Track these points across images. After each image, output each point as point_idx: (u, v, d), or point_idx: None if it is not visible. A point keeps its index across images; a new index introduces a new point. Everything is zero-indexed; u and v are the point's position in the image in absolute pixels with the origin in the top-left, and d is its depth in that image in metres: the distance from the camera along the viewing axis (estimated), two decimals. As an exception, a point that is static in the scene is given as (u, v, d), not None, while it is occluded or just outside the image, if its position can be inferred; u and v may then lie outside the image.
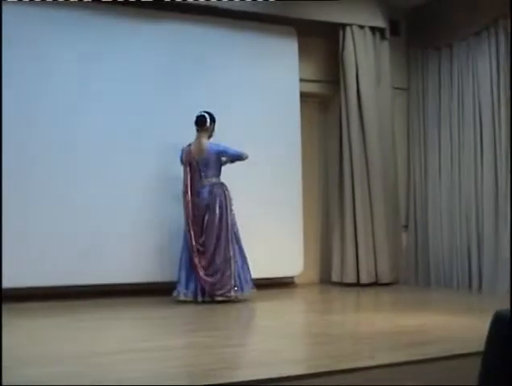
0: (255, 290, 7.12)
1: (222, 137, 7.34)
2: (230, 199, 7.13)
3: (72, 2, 7.37)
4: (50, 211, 7.14)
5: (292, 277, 8.62)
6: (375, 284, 8.57)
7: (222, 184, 7.18)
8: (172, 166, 7.52)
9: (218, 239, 7.04)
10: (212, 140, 7.26)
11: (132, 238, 7.50)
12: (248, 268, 7.12)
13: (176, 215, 7.38)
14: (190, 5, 7.80)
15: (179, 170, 7.30)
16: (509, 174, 7.84)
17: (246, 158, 7.20)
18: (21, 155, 7.04)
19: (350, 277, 8.55)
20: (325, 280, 8.97)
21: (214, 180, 7.17)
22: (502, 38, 7.99)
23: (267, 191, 7.98)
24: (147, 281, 7.55)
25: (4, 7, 6.92)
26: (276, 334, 5.13)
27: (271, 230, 7.95)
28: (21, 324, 5.47)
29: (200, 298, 6.90)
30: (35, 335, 5.00)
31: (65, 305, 6.74)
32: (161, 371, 3.56)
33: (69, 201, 7.25)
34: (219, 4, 7.79)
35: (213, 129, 7.29)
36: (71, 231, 7.21)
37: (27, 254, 6.91)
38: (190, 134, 7.26)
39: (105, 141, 7.49)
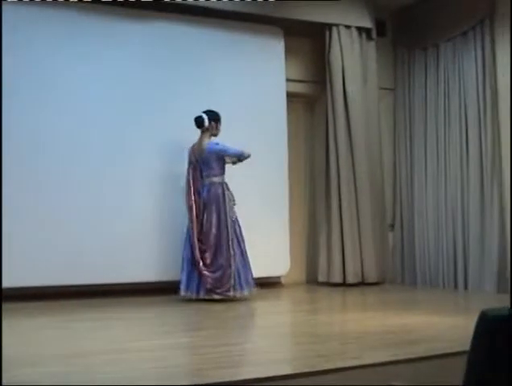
0: (255, 290, 7.17)
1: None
2: (230, 200, 7.19)
3: (60, 3, 7.34)
4: (46, 211, 7.11)
5: (279, 277, 8.62)
6: (361, 284, 8.57)
7: (222, 183, 7.23)
8: (172, 164, 7.63)
9: (218, 238, 7.11)
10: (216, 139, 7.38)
11: (128, 237, 7.49)
12: (249, 268, 7.16)
13: (176, 214, 7.45)
14: (177, 5, 7.78)
15: (180, 168, 7.41)
16: (495, 174, 7.87)
17: (246, 157, 7.26)
18: (16, 154, 7.02)
19: (336, 277, 8.55)
20: (312, 280, 8.98)
21: (215, 179, 7.22)
22: (488, 38, 8.02)
23: (253, 192, 7.97)
24: (142, 280, 7.55)
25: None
26: (263, 334, 5.14)
27: (258, 230, 7.93)
28: (10, 324, 5.44)
29: (201, 295, 6.97)
30: (23, 336, 4.98)
31: (56, 305, 6.71)
32: (148, 371, 3.56)
33: (68, 201, 7.24)
34: (206, 4, 7.78)
35: (216, 128, 7.38)
36: (63, 231, 7.18)
37: (18, 254, 6.86)
38: (179, 133, 7.34)
39: (103, 141, 7.49)
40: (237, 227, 7.20)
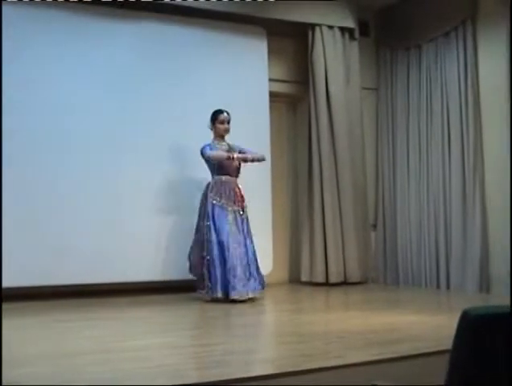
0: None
1: (192, 137, 7.39)
2: (209, 198, 7.10)
3: (46, 2, 7.31)
4: (35, 210, 7.11)
5: (262, 277, 8.62)
6: (344, 283, 8.59)
7: (208, 183, 7.21)
8: (159, 162, 7.70)
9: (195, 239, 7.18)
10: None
11: (119, 237, 7.50)
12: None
13: (173, 213, 7.58)
14: (161, 5, 7.77)
15: (169, 166, 7.64)
16: (477, 174, 7.91)
17: (206, 158, 7.18)
18: (7, 154, 7.01)
19: (319, 277, 8.57)
20: (294, 279, 8.99)
21: (209, 179, 7.25)
22: (470, 39, 8.05)
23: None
24: (132, 280, 7.58)
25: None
26: (246, 334, 5.13)
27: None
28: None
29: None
30: (10, 336, 4.95)
31: (44, 305, 6.70)
32: (133, 371, 3.55)
33: (60, 199, 7.26)
34: (190, 4, 7.77)
35: (211, 128, 7.34)
36: (53, 230, 7.18)
37: (6, 254, 6.82)
38: (164, 131, 7.43)
39: (96, 139, 7.51)
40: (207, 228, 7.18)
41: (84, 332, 5.15)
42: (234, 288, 6.83)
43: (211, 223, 7.02)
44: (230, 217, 7.07)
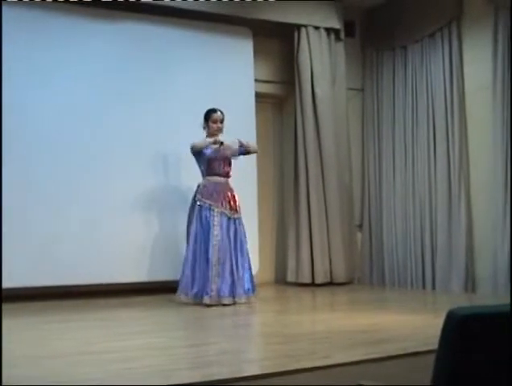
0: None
1: (177, 137, 7.40)
2: (197, 200, 7.07)
3: (30, 2, 7.28)
4: (22, 211, 7.09)
5: (248, 278, 8.61)
6: (330, 284, 8.60)
7: (198, 185, 7.15)
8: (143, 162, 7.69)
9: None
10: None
11: (107, 239, 7.48)
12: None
13: (157, 215, 7.58)
14: (147, 5, 7.75)
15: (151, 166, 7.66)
16: (462, 175, 7.95)
17: (191, 149, 7.10)
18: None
19: (305, 277, 8.58)
20: (280, 280, 9.00)
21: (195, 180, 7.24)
22: (455, 39, 8.09)
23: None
24: (119, 281, 7.56)
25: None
26: (232, 335, 5.13)
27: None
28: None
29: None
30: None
31: (29, 306, 6.68)
32: (119, 372, 3.54)
33: (46, 200, 7.24)
34: (175, 4, 7.76)
35: (204, 127, 7.26)
36: (35, 231, 7.15)
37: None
38: (148, 132, 7.36)
39: (83, 140, 7.50)
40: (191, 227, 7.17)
41: (70, 333, 5.13)
42: (209, 292, 6.74)
43: (197, 225, 6.95)
44: (217, 219, 6.94)
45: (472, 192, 7.97)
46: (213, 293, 6.73)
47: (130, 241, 7.58)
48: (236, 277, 6.89)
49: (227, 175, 7.22)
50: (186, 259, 6.94)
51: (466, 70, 8.11)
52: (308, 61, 8.72)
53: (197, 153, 7.12)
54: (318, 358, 3.89)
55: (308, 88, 8.70)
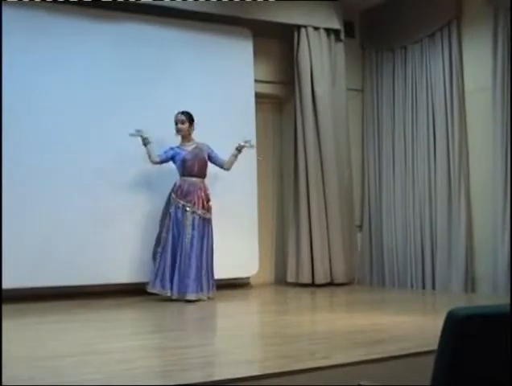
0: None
1: (175, 138, 7.41)
2: (171, 199, 7.30)
3: (30, 2, 7.28)
4: (17, 213, 7.05)
5: (248, 278, 8.62)
6: (330, 284, 8.60)
7: (174, 184, 7.41)
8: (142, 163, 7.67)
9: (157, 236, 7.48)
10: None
11: (101, 238, 7.47)
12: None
13: (152, 217, 7.59)
14: (147, 6, 7.74)
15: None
16: (462, 175, 7.95)
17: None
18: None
19: (305, 278, 8.57)
20: (280, 280, 8.99)
21: None
22: (455, 40, 8.09)
23: (221, 193, 7.96)
24: (114, 282, 7.55)
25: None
26: (231, 335, 5.13)
27: (226, 231, 7.93)
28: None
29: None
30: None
31: (26, 307, 6.64)
32: (115, 373, 3.53)
33: (37, 201, 7.22)
34: (175, 5, 7.76)
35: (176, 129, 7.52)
36: (30, 232, 7.14)
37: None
38: (147, 133, 7.39)
39: (77, 140, 7.49)
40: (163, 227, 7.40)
41: (68, 334, 5.13)
42: (187, 287, 6.99)
43: (170, 223, 7.23)
44: (189, 219, 7.18)
45: (471, 192, 7.97)
46: (193, 290, 7.01)
47: (127, 242, 7.58)
48: (201, 274, 7.12)
49: (202, 176, 7.43)
50: (163, 252, 7.17)
51: (466, 70, 8.11)
52: (308, 61, 8.71)
53: (172, 155, 7.46)
54: (318, 358, 3.89)
55: (308, 89, 8.69)
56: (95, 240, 7.43)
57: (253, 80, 8.57)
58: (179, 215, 7.22)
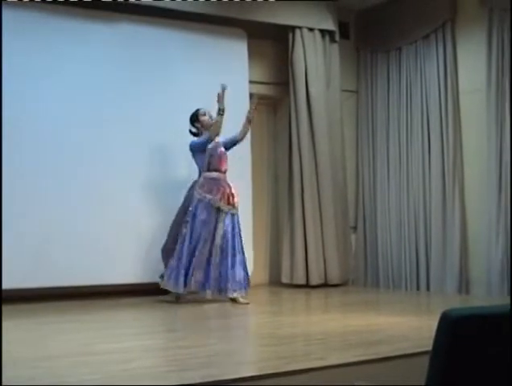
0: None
1: (171, 138, 7.40)
2: (196, 194, 7.12)
3: (28, 3, 7.27)
4: (16, 212, 7.04)
5: (242, 279, 8.61)
6: (325, 285, 8.61)
7: (195, 180, 7.32)
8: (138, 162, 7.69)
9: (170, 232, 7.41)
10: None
11: (101, 239, 7.47)
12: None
13: (153, 217, 7.64)
14: (141, 6, 7.74)
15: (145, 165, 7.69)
16: (456, 176, 7.96)
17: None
18: None
19: (300, 279, 8.58)
20: (275, 281, 8.99)
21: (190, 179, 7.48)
22: (450, 41, 8.11)
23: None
24: (114, 282, 7.54)
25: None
26: (226, 336, 5.14)
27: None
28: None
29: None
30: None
31: (25, 308, 6.65)
32: (114, 373, 3.54)
33: (38, 202, 7.20)
34: (170, 5, 7.76)
35: (193, 128, 7.48)
36: (29, 232, 7.12)
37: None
38: (141, 132, 7.45)
39: (78, 142, 7.48)
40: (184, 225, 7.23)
41: (67, 335, 5.13)
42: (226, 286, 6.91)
43: (190, 219, 7.00)
44: (215, 214, 7.01)
45: (466, 194, 7.99)
46: (211, 289, 6.91)
47: (125, 242, 7.57)
48: (230, 272, 6.97)
49: (225, 172, 7.29)
50: (181, 251, 6.96)
51: (460, 71, 8.13)
52: (303, 63, 8.72)
53: (198, 148, 7.24)
54: (313, 359, 3.89)
55: (303, 90, 8.70)
56: (94, 240, 7.42)
57: (247, 81, 8.57)
58: (204, 211, 7.01)
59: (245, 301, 6.96)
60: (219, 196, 7.07)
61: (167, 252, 7.20)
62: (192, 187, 7.30)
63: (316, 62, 8.80)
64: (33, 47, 7.36)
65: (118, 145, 7.63)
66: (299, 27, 8.72)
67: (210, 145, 7.21)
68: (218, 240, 6.98)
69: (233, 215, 7.14)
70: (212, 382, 3.30)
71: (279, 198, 9.28)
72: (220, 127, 7.23)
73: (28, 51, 7.32)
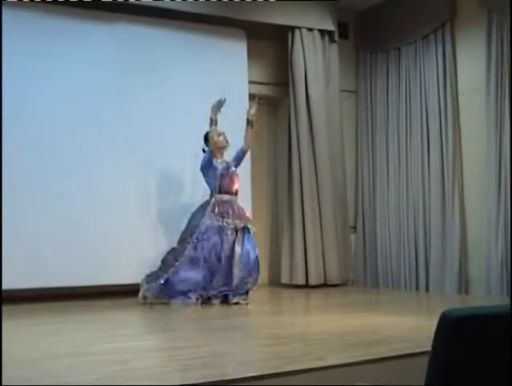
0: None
1: (171, 140, 7.39)
2: (207, 216, 7.05)
3: (23, 3, 7.27)
4: (11, 212, 7.03)
5: (242, 279, 8.61)
6: (324, 285, 8.61)
7: (206, 201, 7.22)
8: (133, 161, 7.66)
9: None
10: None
11: (96, 239, 7.46)
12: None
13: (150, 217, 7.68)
14: (141, 7, 7.74)
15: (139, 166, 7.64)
16: (456, 176, 7.97)
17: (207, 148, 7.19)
18: None
19: (299, 279, 8.58)
20: (274, 281, 8.99)
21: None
22: (449, 41, 8.11)
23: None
24: (110, 283, 7.54)
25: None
26: (226, 336, 5.13)
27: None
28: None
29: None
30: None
31: (21, 308, 6.64)
32: (110, 373, 3.53)
33: (33, 202, 7.20)
34: (169, 6, 7.76)
35: (205, 148, 7.26)
36: (25, 232, 7.11)
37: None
38: (139, 132, 7.45)
39: (73, 141, 7.48)
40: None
41: (63, 335, 5.12)
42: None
43: (198, 240, 6.95)
44: (226, 237, 6.98)
45: (465, 194, 7.99)
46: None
47: (122, 243, 7.56)
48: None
49: (236, 193, 7.25)
50: (193, 263, 6.94)
51: (459, 71, 8.13)
52: (302, 63, 8.73)
53: (207, 168, 7.17)
54: (312, 359, 3.89)
55: (302, 90, 8.70)
56: (92, 240, 7.42)
57: (247, 82, 8.57)
58: (215, 236, 6.96)
59: (245, 301, 6.98)
60: (231, 217, 7.04)
61: (166, 265, 7.09)
62: (202, 207, 7.18)
63: (316, 62, 8.80)
64: (32, 47, 7.37)
65: (117, 145, 7.62)
66: (299, 27, 8.72)
67: (221, 166, 7.17)
68: (226, 258, 7.00)
69: (246, 233, 7.11)
70: (211, 382, 3.30)
71: (279, 198, 9.28)
72: (212, 138, 7.19)
73: (28, 51, 7.33)
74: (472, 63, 7.98)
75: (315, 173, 8.70)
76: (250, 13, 8.27)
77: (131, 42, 7.86)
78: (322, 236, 8.68)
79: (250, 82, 8.62)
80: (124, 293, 7.35)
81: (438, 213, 8.10)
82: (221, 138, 7.26)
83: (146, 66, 7.93)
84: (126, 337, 5.10)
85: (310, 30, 8.79)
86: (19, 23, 7.29)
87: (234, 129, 7.93)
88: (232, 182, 7.21)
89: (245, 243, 7.08)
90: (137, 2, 7.67)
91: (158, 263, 7.23)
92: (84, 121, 7.54)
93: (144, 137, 7.75)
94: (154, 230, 7.72)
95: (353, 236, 9.18)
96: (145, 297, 6.93)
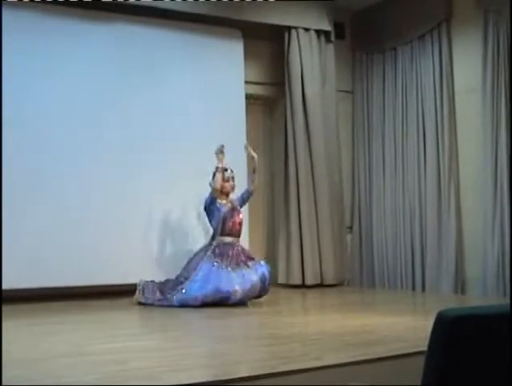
0: None
1: (166, 141, 7.39)
2: (208, 258, 6.97)
3: (23, 3, 7.26)
4: (13, 212, 7.02)
5: (238, 279, 8.61)
6: (320, 285, 8.61)
7: (209, 243, 7.14)
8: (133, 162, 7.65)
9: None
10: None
11: (94, 239, 7.45)
12: None
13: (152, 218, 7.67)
14: (138, 7, 7.74)
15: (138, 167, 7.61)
16: (452, 176, 7.98)
17: (211, 194, 7.11)
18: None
19: (296, 279, 8.59)
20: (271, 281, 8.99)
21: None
22: (445, 41, 8.12)
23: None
24: (107, 283, 7.53)
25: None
26: (223, 336, 5.13)
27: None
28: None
29: None
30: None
31: (19, 308, 6.62)
32: (108, 373, 3.53)
33: (32, 203, 7.18)
34: (166, 6, 7.75)
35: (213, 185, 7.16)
36: (25, 232, 7.11)
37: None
38: (137, 131, 7.45)
39: (71, 143, 7.47)
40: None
41: (62, 335, 5.12)
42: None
43: (196, 278, 6.85)
44: (226, 272, 6.85)
45: (461, 194, 8.00)
46: None
47: (121, 243, 7.56)
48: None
49: (239, 235, 7.17)
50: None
51: (456, 71, 8.14)
52: (298, 63, 8.73)
53: (211, 209, 7.11)
54: (309, 359, 3.89)
55: (298, 90, 8.71)
56: (91, 240, 7.41)
57: (243, 82, 8.57)
58: (215, 272, 6.82)
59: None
60: (231, 261, 6.92)
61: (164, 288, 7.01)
62: (203, 250, 7.09)
63: (312, 62, 8.81)
64: (32, 47, 7.36)
65: (116, 144, 7.62)
66: (295, 27, 8.73)
67: (225, 209, 7.09)
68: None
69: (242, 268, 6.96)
70: (210, 382, 3.31)
71: (275, 198, 9.28)
72: (216, 182, 7.08)
73: (27, 51, 7.31)
74: (468, 63, 8.00)
75: (312, 173, 8.71)
76: (247, 13, 8.27)
77: (129, 42, 7.86)
78: (318, 236, 8.68)
79: (247, 82, 8.62)
80: (123, 293, 7.35)
81: (434, 212, 8.11)
82: (227, 184, 7.16)
83: (145, 66, 7.92)
84: (125, 337, 5.11)
85: (306, 30, 8.79)
86: (19, 23, 7.28)
87: (229, 129, 7.97)
88: (234, 223, 7.09)
89: (245, 275, 6.87)
90: (135, 2, 7.66)
91: (158, 263, 7.24)
92: (83, 120, 7.53)
93: (143, 135, 7.73)
94: (154, 230, 7.72)
95: (349, 236, 9.19)
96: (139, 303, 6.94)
